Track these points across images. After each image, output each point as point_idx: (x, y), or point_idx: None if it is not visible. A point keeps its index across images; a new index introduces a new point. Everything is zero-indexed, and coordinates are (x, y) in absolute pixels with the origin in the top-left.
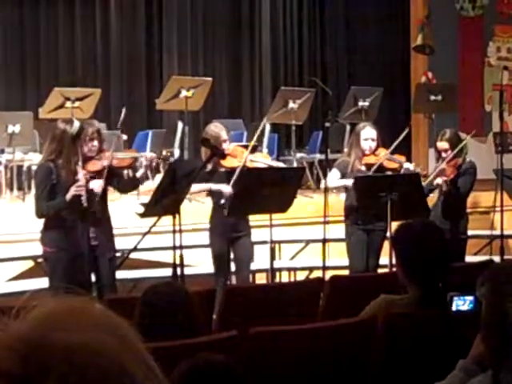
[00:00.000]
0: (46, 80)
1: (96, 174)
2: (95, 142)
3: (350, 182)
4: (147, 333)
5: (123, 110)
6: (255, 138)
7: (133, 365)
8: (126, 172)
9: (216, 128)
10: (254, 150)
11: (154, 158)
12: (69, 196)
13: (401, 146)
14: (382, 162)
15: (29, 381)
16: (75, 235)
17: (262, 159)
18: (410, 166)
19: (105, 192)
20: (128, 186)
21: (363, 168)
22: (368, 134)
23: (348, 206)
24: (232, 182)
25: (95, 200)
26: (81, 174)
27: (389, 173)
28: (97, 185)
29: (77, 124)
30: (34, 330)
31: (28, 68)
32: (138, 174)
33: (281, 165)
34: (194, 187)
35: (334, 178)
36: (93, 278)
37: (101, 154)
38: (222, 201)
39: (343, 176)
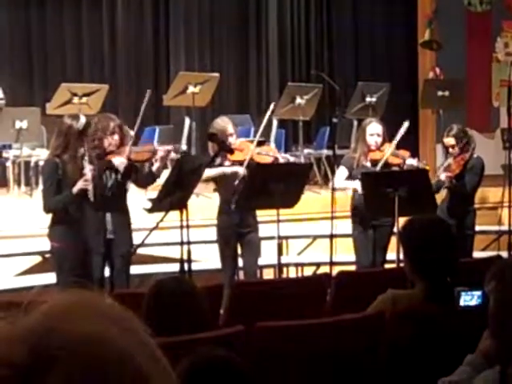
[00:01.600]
0: (53, 75)
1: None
2: (116, 136)
3: (355, 184)
4: (154, 328)
5: (148, 93)
6: (260, 130)
7: (139, 356)
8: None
9: (222, 122)
10: (261, 144)
11: (170, 150)
12: (75, 189)
13: (408, 141)
14: (387, 157)
15: (35, 371)
16: (83, 230)
17: (269, 152)
18: (413, 162)
19: (124, 187)
20: (145, 180)
21: (368, 164)
22: (374, 129)
23: (355, 201)
24: (245, 164)
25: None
26: (87, 169)
27: (394, 168)
28: (119, 161)
29: (83, 119)
30: (41, 323)
31: (35, 64)
32: (154, 168)
33: (288, 157)
34: (209, 172)
35: (341, 177)
36: (106, 272)
37: (120, 148)
38: (233, 206)
39: (350, 172)
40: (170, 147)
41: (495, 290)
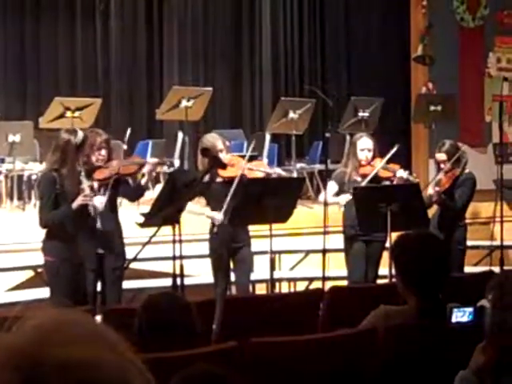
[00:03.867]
0: (46, 89)
1: (103, 182)
2: (103, 152)
3: (341, 198)
4: (146, 343)
5: (128, 130)
6: (250, 149)
7: (134, 379)
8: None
9: (212, 138)
10: (253, 159)
11: (155, 162)
12: (75, 205)
13: (400, 156)
14: (376, 172)
15: None
16: (77, 245)
17: (260, 167)
18: (403, 174)
19: (114, 201)
20: (133, 194)
21: (359, 179)
22: (364, 144)
23: (347, 216)
24: (235, 182)
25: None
26: (85, 184)
27: (385, 182)
28: (98, 201)
29: (81, 134)
30: (31, 346)
31: (28, 77)
32: (142, 182)
33: (279, 171)
34: (190, 207)
35: (330, 193)
36: (99, 287)
37: (108, 163)
38: (215, 229)
39: (341, 187)
40: (157, 160)
41: (494, 299)
